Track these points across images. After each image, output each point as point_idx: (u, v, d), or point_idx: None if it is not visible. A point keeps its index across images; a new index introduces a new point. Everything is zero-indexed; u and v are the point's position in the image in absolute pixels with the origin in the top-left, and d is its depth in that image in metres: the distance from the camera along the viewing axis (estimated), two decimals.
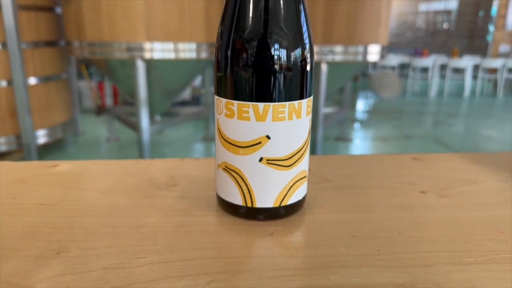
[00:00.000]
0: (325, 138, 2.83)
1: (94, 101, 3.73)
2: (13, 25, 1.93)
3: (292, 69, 0.30)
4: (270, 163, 0.30)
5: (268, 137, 0.30)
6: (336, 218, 0.33)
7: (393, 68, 5.79)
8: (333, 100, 3.80)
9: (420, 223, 0.33)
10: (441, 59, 5.65)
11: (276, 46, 0.29)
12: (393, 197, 0.38)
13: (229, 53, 0.30)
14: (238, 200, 0.32)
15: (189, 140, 2.99)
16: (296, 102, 0.30)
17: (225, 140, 0.31)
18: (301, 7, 0.30)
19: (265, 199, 0.31)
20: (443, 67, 5.63)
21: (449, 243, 0.30)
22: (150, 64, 1.94)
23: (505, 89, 5.68)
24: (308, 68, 0.31)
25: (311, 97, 0.32)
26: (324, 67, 2.15)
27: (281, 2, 0.29)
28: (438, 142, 3.04)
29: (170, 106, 2.72)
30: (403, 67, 6.00)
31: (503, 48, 7.07)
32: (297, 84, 0.30)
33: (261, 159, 0.30)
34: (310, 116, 0.32)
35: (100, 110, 3.56)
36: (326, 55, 2.10)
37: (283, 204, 0.32)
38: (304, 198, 0.34)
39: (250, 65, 0.29)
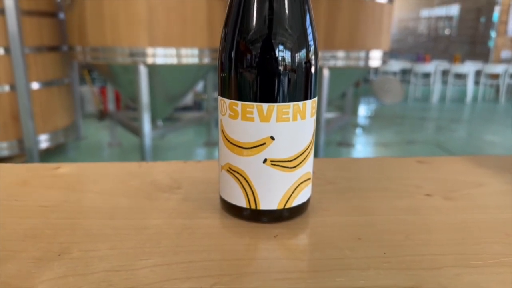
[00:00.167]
0: (327, 144, 2.83)
1: (96, 106, 3.74)
2: (16, 30, 1.94)
3: (297, 70, 0.29)
4: (274, 165, 0.30)
5: (272, 138, 0.30)
6: (341, 221, 0.33)
7: (394, 73, 5.79)
8: (335, 106, 3.80)
9: (426, 225, 0.32)
10: (443, 65, 5.65)
11: (281, 46, 0.29)
12: (398, 199, 0.38)
13: (233, 53, 0.30)
14: (241, 202, 0.31)
15: (191, 145, 2.99)
16: (300, 103, 0.30)
17: (229, 141, 0.31)
18: (306, 7, 0.30)
19: (269, 201, 0.31)
20: (445, 73, 5.63)
21: (457, 245, 0.29)
22: (153, 69, 1.95)
23: (507, 95, 5.67)
24: (313, 68, 0.30)
25: (316, 98, 0.32)
26: (326, 72, 2.15)
27: (286, 2, 0.29)
28: (440, 148, 3.03)
29: (172, 111, 2.73)
30: (404, 72, 6.00)
31: (505, 54, 7.08)
32: (301, 85, 0.30)
33: (265, 161, 0.30)
34: (314, 117, 0.32)
35: (102, 115, 3.57)
36: (328, 60, 2.10)
37: (287, 206, 0.32)
38: (308, 200, 0.34)
39: (255, 66, 0.29)
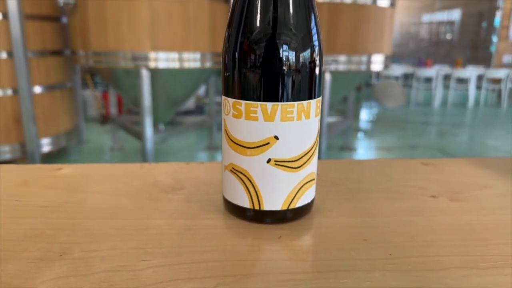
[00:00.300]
0: (329, 148, 2.82)
1: (99, 110, 3.75)
2: (19, 35, 1.95)
3: (302, 69, 0.29)
4: (278, 165, 0.30)
5: (276, 137, 0.29)
6: (345, 222, 0.33)
7: (396, 78, 5.79)
8: (336, 110, 3.79)
9: (432, 227, 0.32)
10: (444, 69, 5.65)
11: (286, 46, 0.28)
12: (403, 201, 0.37)
13: (237, 52, 0.29)
14: (245, 202, 0.31)
15: (192, 149, 2.99)
16: (305, 102, 0.29)
17: (232, 141, 0.31)
18: (311, 7, 0.30)
19: (273, 202, 0.31)
20: (446, 77, 5.63)
21: (463, 247, 0.29)
22: (155, 73, 1.95)
23: (509, 100, 5.66)
24: (317, 68, 0.30)
25: (320, 98, 0.31)
26: (327, 76, 2.15)
27: (291, 2, 0.29)
28: (442, 152, 3.02)
29: (174, 115, 2.73)
30: (406, 77, 6.00)
31: (507, 58, 7.07)
32: (306, 84, 0.30)
33: (269, 160, 0.30)
34: (319, 117, 0.31)
35: (105, 119, 3.57)
36: (330, 65, 2.10)
37: (291, 207, 0.31)
38: (312, 201, 0.33)
39: (259, 65, 0.28)
